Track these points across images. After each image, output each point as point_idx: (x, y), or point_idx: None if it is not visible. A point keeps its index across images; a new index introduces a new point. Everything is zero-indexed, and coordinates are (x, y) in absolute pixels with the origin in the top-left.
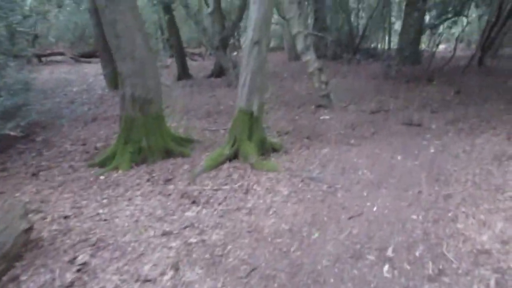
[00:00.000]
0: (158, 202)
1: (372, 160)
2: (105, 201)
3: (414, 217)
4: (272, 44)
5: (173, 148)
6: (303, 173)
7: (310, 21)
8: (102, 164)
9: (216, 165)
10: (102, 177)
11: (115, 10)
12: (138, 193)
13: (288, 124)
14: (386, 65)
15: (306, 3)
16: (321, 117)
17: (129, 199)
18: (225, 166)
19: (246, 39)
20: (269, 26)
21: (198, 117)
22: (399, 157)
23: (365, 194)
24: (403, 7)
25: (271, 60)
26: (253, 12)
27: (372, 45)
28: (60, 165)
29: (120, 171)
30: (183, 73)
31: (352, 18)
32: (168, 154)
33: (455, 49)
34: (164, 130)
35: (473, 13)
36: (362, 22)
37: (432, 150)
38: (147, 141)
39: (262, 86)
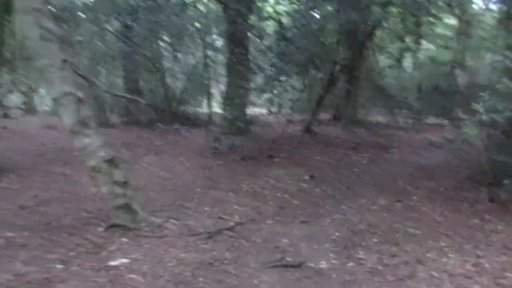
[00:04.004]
0: None
1: None
2: None
3: None
4: None
5: None
6: None
7: (119, 81)
8: None
9: None
10: None
11: None
12: None
13: None
14: (214, 138)
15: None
16: (112, 262)
17: None
18: None
19: None
20: None
21: None
22: None
23: None
24: (221, 70)
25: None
26: None
27: (192, 110)
28: None
29: None
30: None
31: (169, 79)
32: None
33: (290, 119)
34: None
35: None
36: (179, 84)
37: None
38: None
39: None
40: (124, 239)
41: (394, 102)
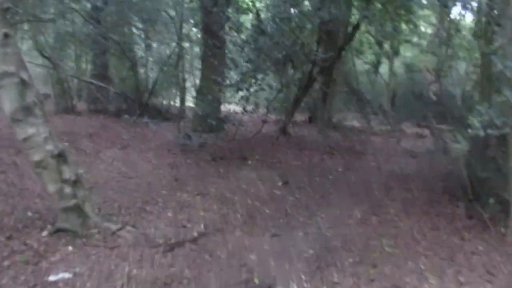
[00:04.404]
0: None
1: None
2: None
3: None
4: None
5: None
6: None
7: (88, 66)
8: None
9: None
10: None
11: None
12: None
13: None
14: (184, 134)
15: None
16: (51, 277)
17: None
18: None
19: None
20: None
21: None
22: None
23: None
24: (196, 63)
25: None
26: None
27: (164, 102)
28: None
29: None
30: None
31: (143, 70)
32: None
33: (265, 119)
34: None
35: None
36: (153, 75)
37: None
38: None
39: None
40: (70, 248)
41: (370, 108)
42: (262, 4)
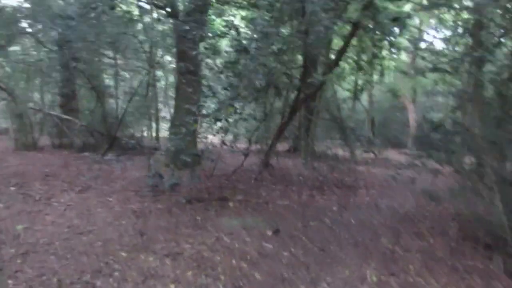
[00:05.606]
0: None
1: None
2: None
3: None
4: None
5: None
6: None
7: (55, 97)
8: None
9: None
10: None
11: None
12: None
13: None
14: (154, 173)
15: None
16: None
17: None
18: None
19: None
20: None
21: None
22: None
23: None
24: (170, 93)
25: None
26: None
27: (137, 135)
28: None
29: None
30: None
31: (113, 101)
32: None
33: (247, 153)
34: None
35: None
36: (123, 104)
37: None
38: None
39: None
40: None
41: (354, 136)
42: (243, 24)
